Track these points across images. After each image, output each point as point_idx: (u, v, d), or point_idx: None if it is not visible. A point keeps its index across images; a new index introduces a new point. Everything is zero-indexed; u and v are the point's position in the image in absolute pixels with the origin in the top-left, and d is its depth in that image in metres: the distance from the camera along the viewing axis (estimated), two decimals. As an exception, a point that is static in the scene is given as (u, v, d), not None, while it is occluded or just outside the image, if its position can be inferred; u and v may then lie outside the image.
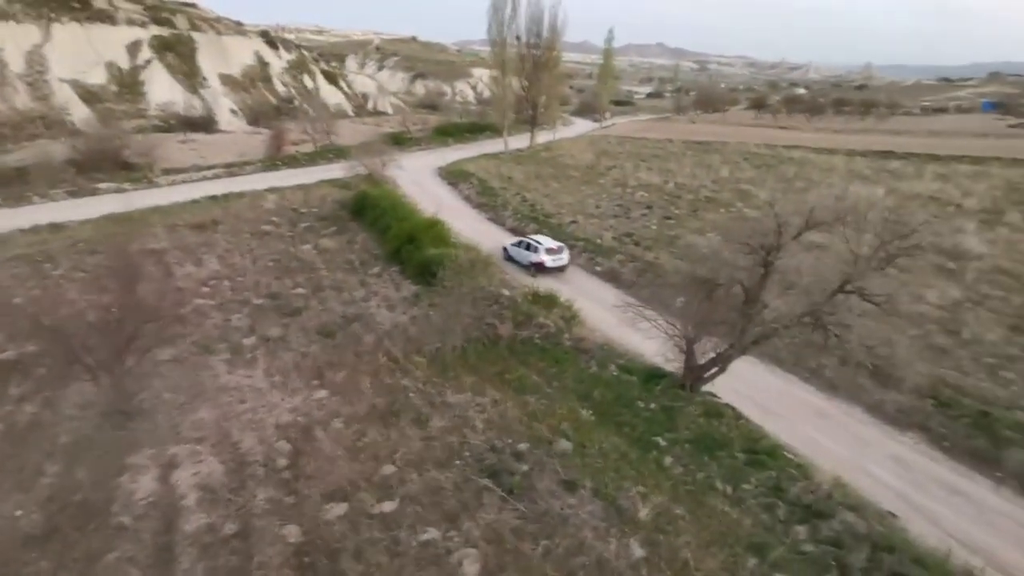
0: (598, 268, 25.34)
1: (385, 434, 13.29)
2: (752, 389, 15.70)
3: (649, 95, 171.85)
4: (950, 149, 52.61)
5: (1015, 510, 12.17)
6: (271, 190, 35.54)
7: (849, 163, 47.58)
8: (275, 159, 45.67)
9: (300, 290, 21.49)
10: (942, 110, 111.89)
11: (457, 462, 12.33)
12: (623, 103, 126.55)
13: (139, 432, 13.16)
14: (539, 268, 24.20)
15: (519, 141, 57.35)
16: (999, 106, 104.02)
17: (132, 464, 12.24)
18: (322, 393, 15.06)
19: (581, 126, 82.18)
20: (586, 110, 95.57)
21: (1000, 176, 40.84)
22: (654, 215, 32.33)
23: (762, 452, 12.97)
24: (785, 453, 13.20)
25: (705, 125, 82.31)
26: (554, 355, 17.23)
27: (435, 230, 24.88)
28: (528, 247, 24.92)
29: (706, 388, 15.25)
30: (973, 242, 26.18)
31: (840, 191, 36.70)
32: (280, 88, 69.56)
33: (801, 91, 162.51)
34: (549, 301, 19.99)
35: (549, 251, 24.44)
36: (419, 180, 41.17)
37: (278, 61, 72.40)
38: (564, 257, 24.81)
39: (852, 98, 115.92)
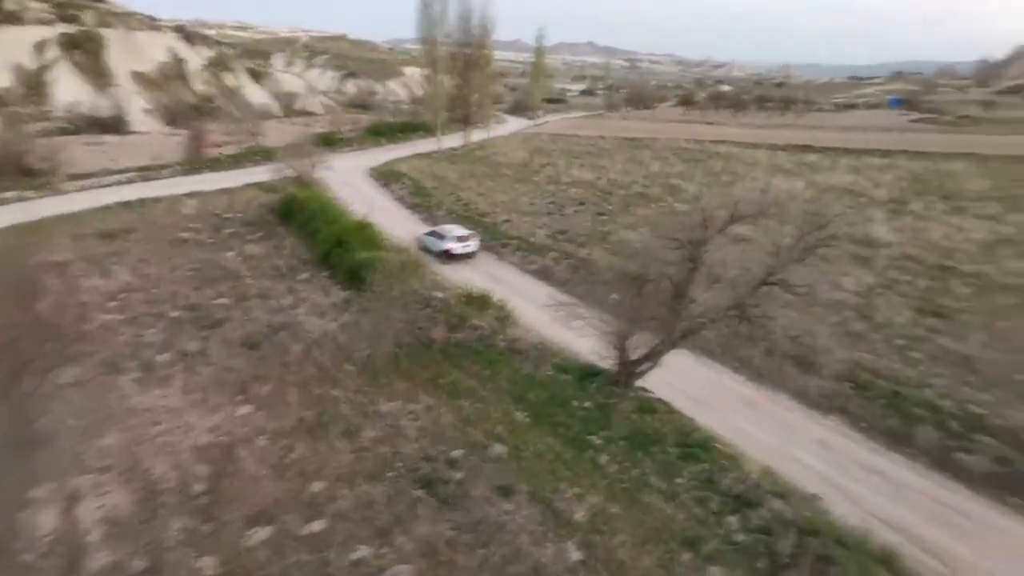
0: (532, 266, 25.25)
1: (314, 448, 12.70)
2: (684, 381, 15.93)
3: (582, 93, 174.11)
4: (861, 143, 55.81)
5: (927, 485, 12.82)
6: (191, 195, 33.62)
7: (771, 157, 49.60)
8: (196, 162, 43.30)
9: (223, 300, 20.33)
10: (852, 106, 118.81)
11: (389, 474, 11.89)
12: (556, 101, 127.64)
13: (39, 462, 12.00)
14: (449, 255, 25.08)
15: (453, 140, 56.74)
16: (903, 102, 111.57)
17: (33, 498, 11.14)
18: (246, 409, 14.24)
19: (515, 124, 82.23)
20: (519, 108, 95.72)
21: (905, 168, 43.59)
22: (587, 211, 32.61)
23: (694, 445, 13.15)
24: (717, 445, 13.42)
25: (636, 122, 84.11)
26: (488, 357, 16.94)
27: (365, 233, 24.16)
28: (438, 236, 25.83)
29: (639, 383, 15.37)
30: (882, 231, 27.72)
31: (764, 184, 38.05)
32: (199, 86, 66.17)
33: (726, 88, 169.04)
34: (482, 302, 19.70)
35: (458, 239, 25.46)
36: (350, 181, 40.01)
37: (196, 58, 68.85)
38: (472, 244, 25.81)
39: (773, 95, 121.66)
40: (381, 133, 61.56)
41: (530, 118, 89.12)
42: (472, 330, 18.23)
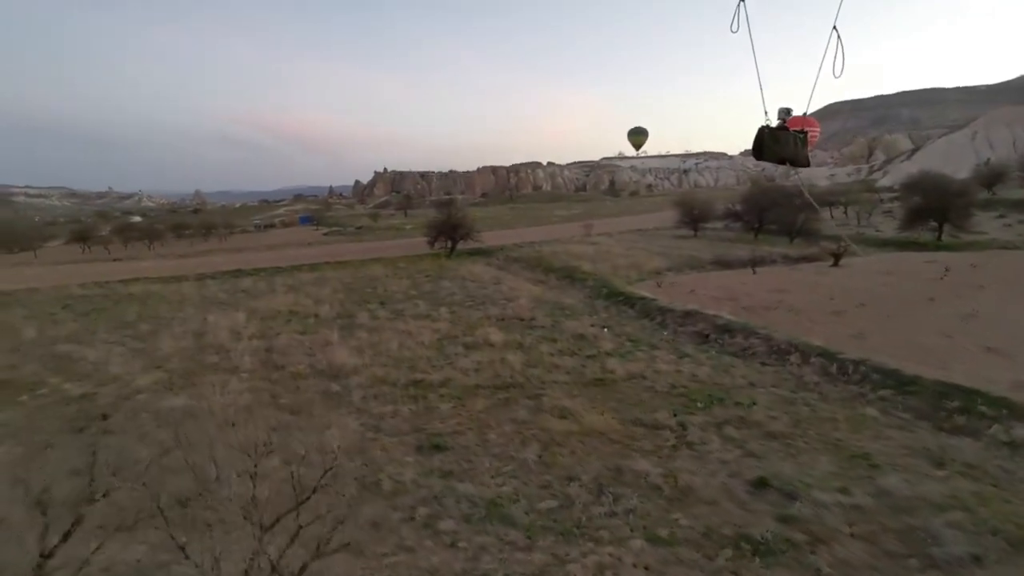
0: None
1: None
2: None
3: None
4: (289, 260, 54.25)
5: None
6: None
7: (201, 289, 41.67)
8: None
9: None
10: (272, 226, 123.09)
11: None
12: None
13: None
14: None
15: None
16: (312, 219, 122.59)
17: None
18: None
19: None
20: None
21: (335, 279, 43.16)
22: None
23: None
24: None
25: (5, 270, 60.83)
26: None
27: None
28: None
29: None
30: (343, 354, 23.86)
31: (198, 325, 30.03)
32: None
33: (136, 219, 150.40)
34: None
35: None
36: None
37: None
38: None
39: (191, 222, 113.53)
40: None
41: None
42: None
